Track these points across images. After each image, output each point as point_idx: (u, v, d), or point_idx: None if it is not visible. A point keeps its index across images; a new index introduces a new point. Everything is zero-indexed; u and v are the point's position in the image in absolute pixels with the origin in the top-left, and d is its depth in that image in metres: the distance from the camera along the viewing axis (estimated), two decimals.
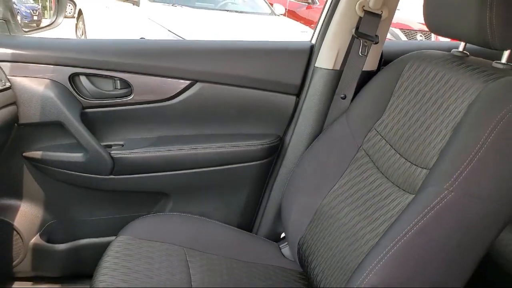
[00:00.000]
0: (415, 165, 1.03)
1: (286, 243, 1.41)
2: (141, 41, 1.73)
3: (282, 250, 1.42)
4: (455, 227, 0.88)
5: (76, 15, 7.15)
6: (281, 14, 6.09)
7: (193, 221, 1.40)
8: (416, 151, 1.05)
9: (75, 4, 7.64)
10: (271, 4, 6.18)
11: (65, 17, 1.52)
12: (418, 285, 0.89)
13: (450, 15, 1.04)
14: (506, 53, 1.01)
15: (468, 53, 1.14)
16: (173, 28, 4.35)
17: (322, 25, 1.46)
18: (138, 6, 5.03)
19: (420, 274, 0.90)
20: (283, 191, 1.44)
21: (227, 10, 5.64)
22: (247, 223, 1.57)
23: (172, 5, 5.11)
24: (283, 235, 1.54)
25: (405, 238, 0.88)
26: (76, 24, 6.93)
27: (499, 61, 1.02)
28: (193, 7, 5.26)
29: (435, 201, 0.88)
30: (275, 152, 1.52)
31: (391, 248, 0.89)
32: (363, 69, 1.41)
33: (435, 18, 1.10)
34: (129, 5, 5.15)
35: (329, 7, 1.44)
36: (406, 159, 1.06)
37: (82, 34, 6.76)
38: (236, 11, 5.63)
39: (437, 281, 0.90)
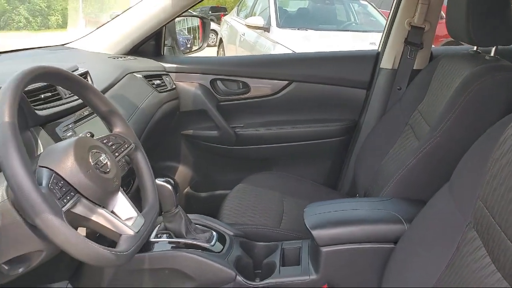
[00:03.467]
0: (428, 125, 1.51)
1: (358, 196, 1.93)
2: (255, 55, 2.40)
3: None
4: (441, 162, 1.36)
5: (217, 43, 8.26)
6: None
7: (289, 178, 1.99)
8: (433, 117, 1.52)
9: (216, 34, 8.79)
10: None
11: (209, 45, 2.25)
12: (415, 198, 1.38)
13: (454, 22, 1.49)
14: (493, 49, 1.45)
15: (480, 51, 1.58)
16: (297, 49, 5.01)
17: (384, 37, 1.99)
18: (269, 32, 5.80)
19: (416, 193, 1.38)
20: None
21: (348, 30, 6.16)
22: (333, 183, 2.13)
23: (298, 29, 5.78)
24: None
25: (407, 167, 1.39)
26: (217, 51, 8.01)
27: (489, 55, 1.46)
28: (317, 29, 5.86)
29: (427, 143, 1.37)
30: (352, 131, 2.06)
31: (398, 174, 1.40)
32: (413, 68, 1.91)
33: (449, 25, 1.55)
34: (261, 31, 5.94)
35: (388, 25, 1.97)
36: (428, 124, 1.54)
37: None
38: (356, 31, 6.12)
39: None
